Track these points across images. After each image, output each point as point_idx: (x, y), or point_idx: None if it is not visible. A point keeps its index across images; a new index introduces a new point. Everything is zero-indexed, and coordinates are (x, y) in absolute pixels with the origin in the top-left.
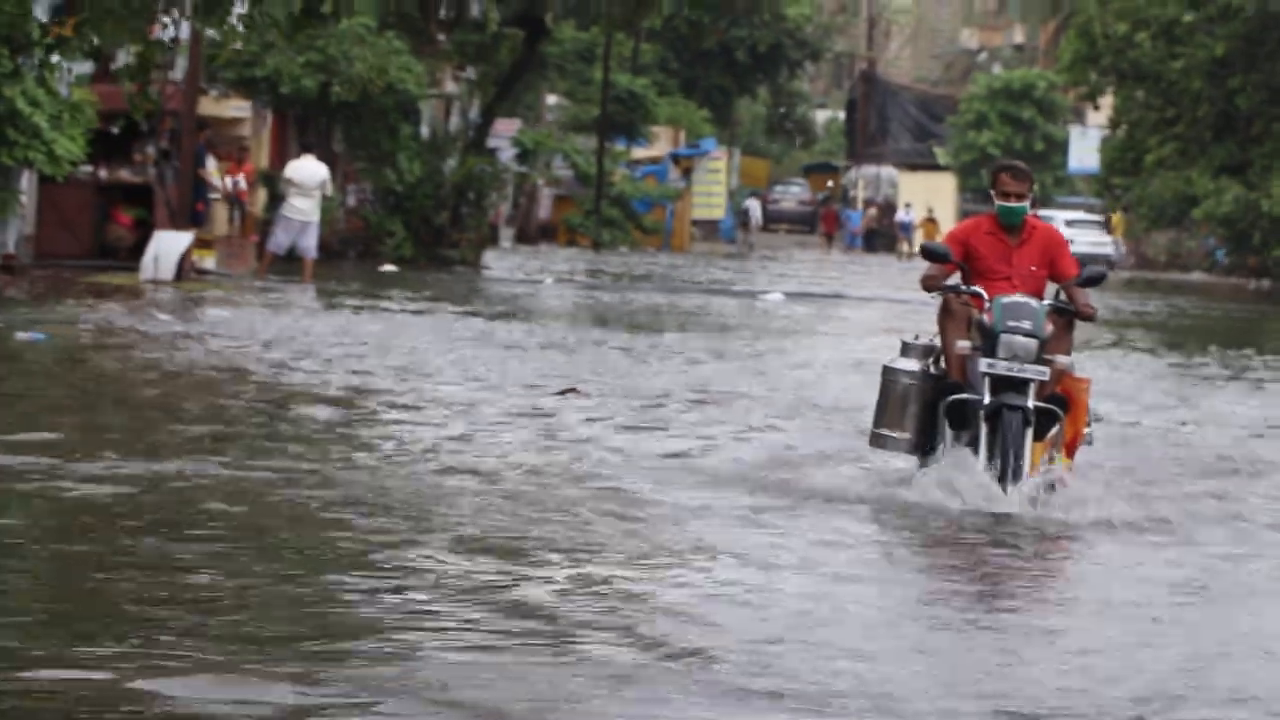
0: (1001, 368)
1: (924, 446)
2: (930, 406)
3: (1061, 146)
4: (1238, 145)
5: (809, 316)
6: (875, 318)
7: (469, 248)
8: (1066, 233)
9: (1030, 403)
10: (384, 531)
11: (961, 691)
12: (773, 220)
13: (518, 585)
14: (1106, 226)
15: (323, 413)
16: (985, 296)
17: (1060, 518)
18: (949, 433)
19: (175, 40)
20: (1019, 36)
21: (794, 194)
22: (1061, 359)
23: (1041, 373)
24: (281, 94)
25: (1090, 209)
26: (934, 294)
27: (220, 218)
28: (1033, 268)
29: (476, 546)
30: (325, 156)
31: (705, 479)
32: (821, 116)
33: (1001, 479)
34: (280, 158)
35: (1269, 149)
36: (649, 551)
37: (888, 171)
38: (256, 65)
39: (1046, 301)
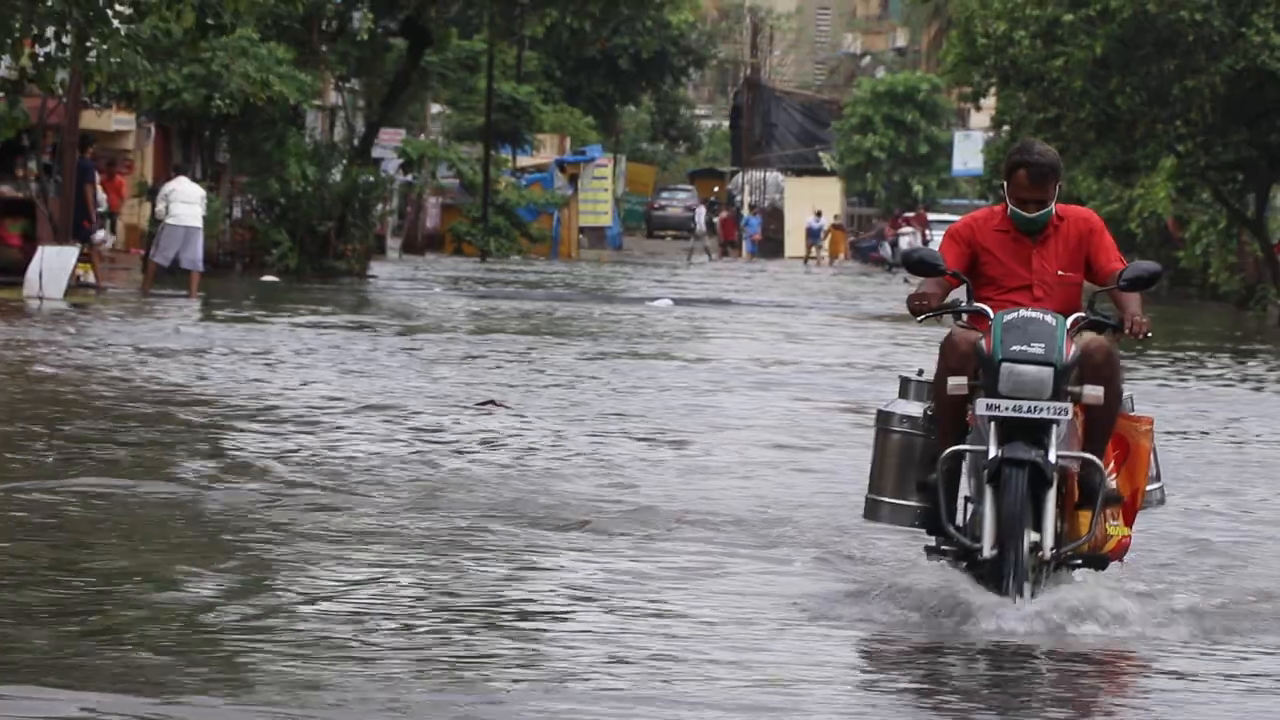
0: (1005, 408)
1: (938, 517)
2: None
3: (945, 149)
4: (1120, 146)
5: (701, 321)
6: (794, 323)
7: (355, 258)
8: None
9: (1053, 454)
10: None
11: None
12: (658, 227)
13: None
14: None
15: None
16: (991, 315)
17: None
18: (948, 493)
19: (52, 56)
20: (901, 40)
21: (680, 200)
22: (1091, 391)
23: (1061, 410)
24: (166, 107)
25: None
26: (924, 318)
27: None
28: (1060, 271)
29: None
30: (209, 168)
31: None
32: (706, 123)
33: (1000, 571)
34: (165, 171)
35: (1151, 150)
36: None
37: (773, 176)
38: (144, 77)
39: (1076, 314)
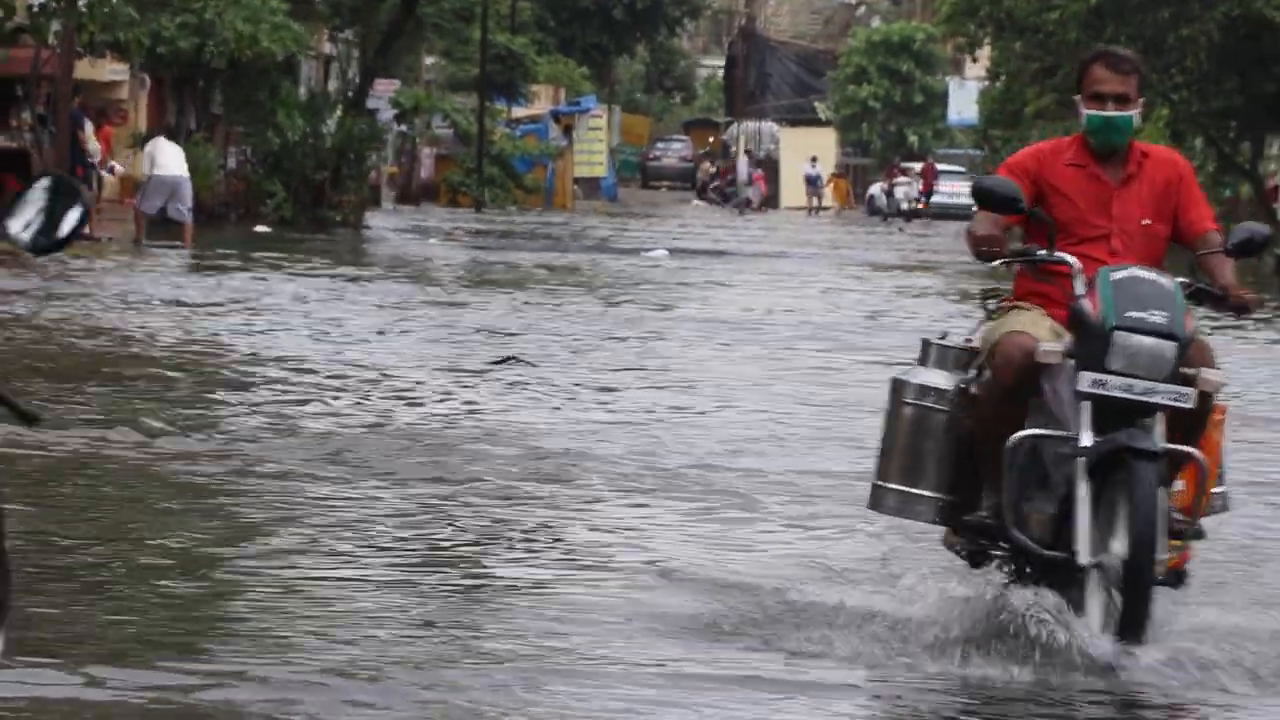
0: (1114, 386)
1: (959, 510)
2: (968, 446)
3: (940, 99)
4: None
5: (692, 272)
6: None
7: (350, 209)
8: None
9: (1159, 445)
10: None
11: None
12: (653, 177)
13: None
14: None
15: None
16: (1077, 267)
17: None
18: (1014, 490)
19: (45, 7)
20: None
21: (675, 150)
22: (1209, 375)
23: (1182, 396)
24: (159, 56)
25: (972, 161)
26: (994, 263)
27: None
28: (1145, 220)
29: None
30: (204, 119)
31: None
32: (702, 73)
33: (1129, 601)
34: (159, 120)
35: (1147, 99)
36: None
37: (768, 127)
38: (133, 27)
39: (1178, 279)
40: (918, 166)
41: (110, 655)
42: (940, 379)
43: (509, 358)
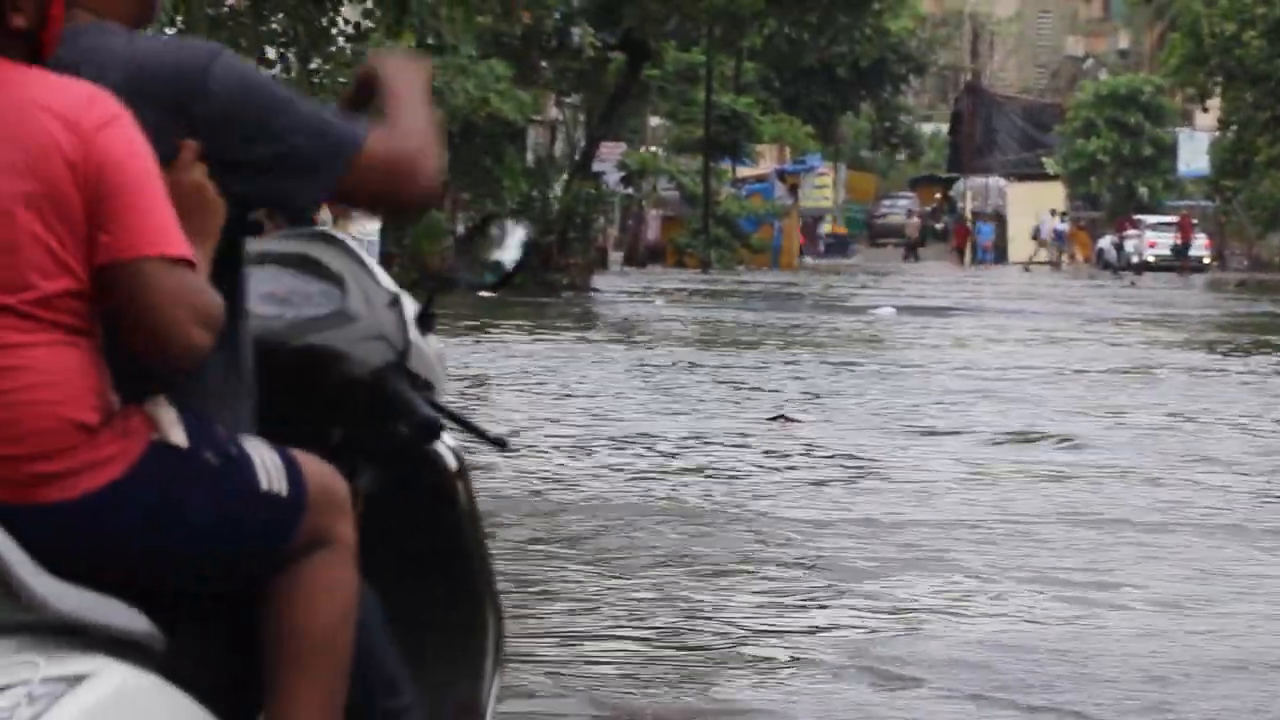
0: None
1: None
2: None
3: (1170, 150)
4: None
5: (924, 329)
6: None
7: (577, 271)
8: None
9: None
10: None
11: None
12: (880, 235)
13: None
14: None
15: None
16: None
17: None
18: None
19: (276, 79)
20: (1124, 42)
21: (902, 207)
22: None
23: None
24: None
25: (1204, 213)
26: None
27: None
28: None
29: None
30: None
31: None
32: (927, 129)
33: None
34: None
35: None
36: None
37: (995, 182)
38: None
39: None
40: (1150, 219)
41: None
42: None
43: (779, 415)
